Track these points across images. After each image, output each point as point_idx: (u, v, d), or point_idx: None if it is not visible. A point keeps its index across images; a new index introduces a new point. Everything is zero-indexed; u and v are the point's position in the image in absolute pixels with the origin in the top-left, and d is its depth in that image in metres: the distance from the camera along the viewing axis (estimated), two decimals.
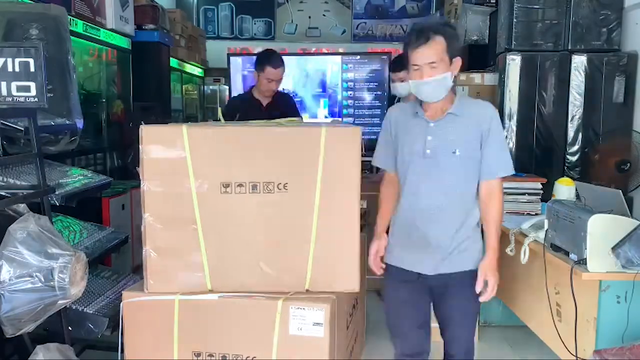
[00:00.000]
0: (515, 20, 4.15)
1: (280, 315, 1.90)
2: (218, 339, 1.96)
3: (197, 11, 10.76)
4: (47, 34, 3.03)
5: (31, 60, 2.08)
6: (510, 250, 2.77)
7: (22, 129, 2.47)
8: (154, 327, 1.99)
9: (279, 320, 1.90)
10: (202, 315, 1.97)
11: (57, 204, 2.47)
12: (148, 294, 1.97)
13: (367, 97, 5.08)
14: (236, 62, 5.21)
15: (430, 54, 1.92)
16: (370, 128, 5.09)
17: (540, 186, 3.16)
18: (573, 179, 3.27)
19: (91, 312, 2.46)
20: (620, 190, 2.59)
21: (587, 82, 4.07)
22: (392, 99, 5.11)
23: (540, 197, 3.14)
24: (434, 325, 2.21)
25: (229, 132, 2.01)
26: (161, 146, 1.89)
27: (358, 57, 5.17)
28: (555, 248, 2.37)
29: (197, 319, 1.97)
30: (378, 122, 5.08)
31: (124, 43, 5.24)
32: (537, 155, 4.19)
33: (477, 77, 4.79)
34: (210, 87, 10.31)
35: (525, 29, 4.15)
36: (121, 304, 2.00)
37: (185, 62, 8.05)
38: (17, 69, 2.07)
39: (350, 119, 5.12)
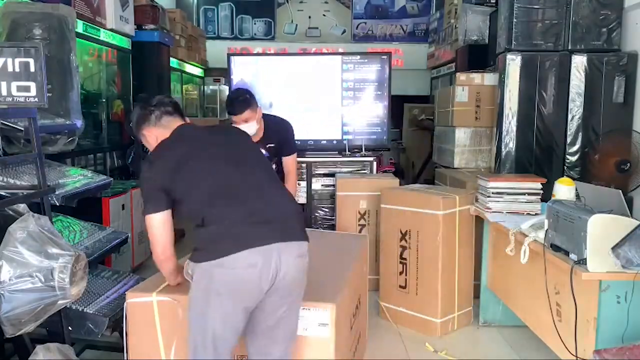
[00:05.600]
0: (515, 20, 4.14)
1: None
2: None
3: (197, 11, 10.76)
4: (50, 34, 3.03)
5: (31, 60, 2.07)
6: (510, 250, 2.77)
7: (22, 129, 2.47)
8: (158, 327, 1.99)
9: None
10: None
11: (57, 204, 2.47)
12: (152, 294, 1.97)
13: (367, 97, 5.07)
14: (236, 62, 5.19)
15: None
16: (370, 128, 5.08)
17: (540, 186, 3.15)
18: (573, 179, 3.27)
19: (91, 312, 2.46)
20: (620, 190, 2.58)
21: (587, 82, 4.06)
22: (392, 100, 5.10)
23: (540, 197, 3.14)
24: None
25: None
26: None
27: (358, 57, 5.15)
28: (555, 248, 2.36)
29: None
30: (378, 122, 5.07)
31: (124, 43, 5.24)
32: (537, 155, 4.19)
33: (477, 77, 4.78)
34: (210, 87, 10.32)
35: (525, 29, 4.15)
36: (124, 304, 2.00)
37: (185, 62, 8.05)
38: (17, 69, 2.06)
39: (350, 119, 5.10)
